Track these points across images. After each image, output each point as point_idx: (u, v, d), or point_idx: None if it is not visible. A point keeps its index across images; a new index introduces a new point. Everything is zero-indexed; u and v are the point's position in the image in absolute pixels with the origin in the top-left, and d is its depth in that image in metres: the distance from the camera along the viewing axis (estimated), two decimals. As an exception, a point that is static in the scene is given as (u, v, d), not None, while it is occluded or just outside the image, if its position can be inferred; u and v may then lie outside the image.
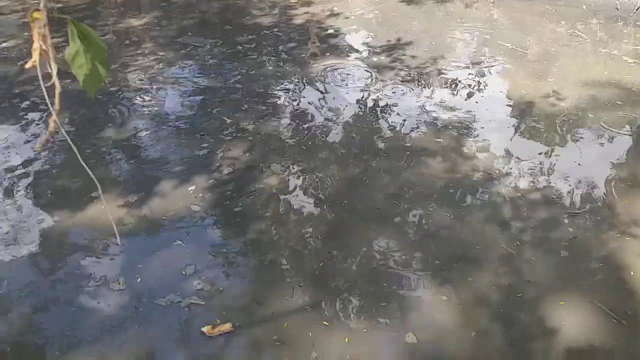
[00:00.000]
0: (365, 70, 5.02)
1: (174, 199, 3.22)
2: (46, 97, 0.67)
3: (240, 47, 5.42)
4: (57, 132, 3.62)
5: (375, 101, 4.45)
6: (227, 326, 2.40)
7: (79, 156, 0.73)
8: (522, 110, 4.31)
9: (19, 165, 3.52)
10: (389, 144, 3.82)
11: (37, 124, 4.01)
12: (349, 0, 7.07)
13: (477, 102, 4.41)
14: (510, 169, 3.56)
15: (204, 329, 2.38)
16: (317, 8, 6.65)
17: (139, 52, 5.31)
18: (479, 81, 4.79)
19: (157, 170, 3.49)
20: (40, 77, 0.71)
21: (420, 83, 4.75)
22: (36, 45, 0.68)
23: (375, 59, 5.25)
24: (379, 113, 4.26)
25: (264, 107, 4.30)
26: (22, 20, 6.18)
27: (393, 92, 4.59)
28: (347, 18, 6.36)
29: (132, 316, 2.46)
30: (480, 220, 3.09)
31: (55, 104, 0.68)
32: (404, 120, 4.14)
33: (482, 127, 4.04)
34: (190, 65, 5.05)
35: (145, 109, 4.26)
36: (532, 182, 3.43)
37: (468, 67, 5.06)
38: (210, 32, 5.95)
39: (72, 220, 3.05)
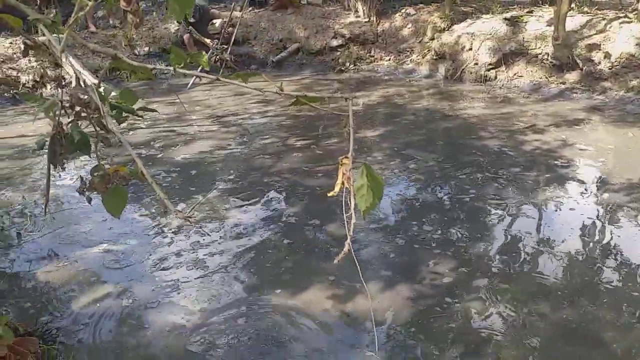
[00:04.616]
0: (594, 206, 4.67)
1: (375, 305, 3.37)
2: (347, 229, 0.88)
3: (461, 165, 5.59)
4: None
5: (604, 241, 4.07)
6: None
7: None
8: None
9: (257, 241, 4.15)
10: (615, 291, 3.42)
11: (272, 210, 4.71)
12: (585, 131, 6.78)
13: None
14: None
15: None
16: (549, 136, 6.51)
17: (368, 159, 5.90)
18: None
19: (365, 271, 3.72)
20: (343, 209, 0.94)
21: (663, 230, 4.21)
22: (340, 180, 0.92)
23: (608, 195, 4.85)
24: (607, 254, 3.88)
25: (477, 227, 4.30)
26: (280, 123, 7.46)
27: (627, 234, 4.15)
28: (581, 150, 6.07)
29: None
30: None
31: (350, 232, 0.89)
32: (638, 267, 3.68)
33: None
34: (410, 176, 5.38)
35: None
36: None
37: None
38: (434, 147, 6.29)
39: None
